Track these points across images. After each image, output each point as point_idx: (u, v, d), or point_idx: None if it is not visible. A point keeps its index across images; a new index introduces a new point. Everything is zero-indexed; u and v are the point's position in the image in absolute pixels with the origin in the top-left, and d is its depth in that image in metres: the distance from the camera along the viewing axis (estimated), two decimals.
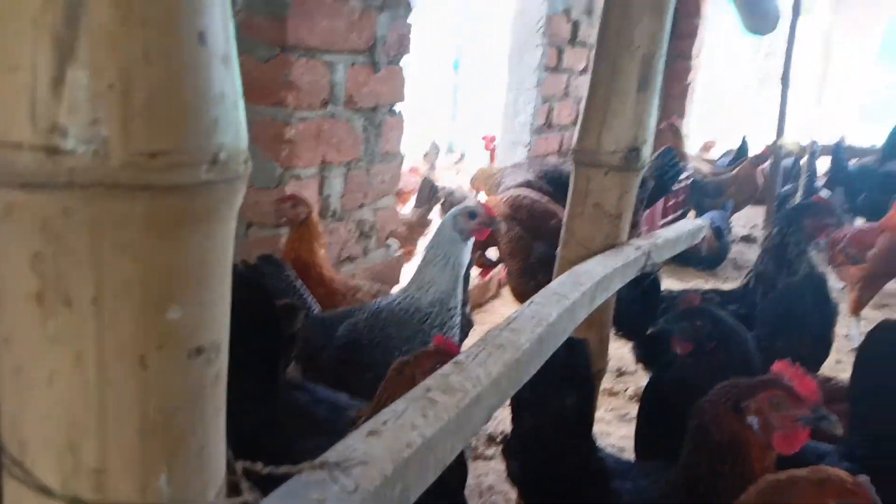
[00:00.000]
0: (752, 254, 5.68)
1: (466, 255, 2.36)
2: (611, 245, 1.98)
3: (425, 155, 5.86)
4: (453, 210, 2.36)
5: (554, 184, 4.06)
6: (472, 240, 2.36)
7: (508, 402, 1.80)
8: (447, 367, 1.06)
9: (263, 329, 1.66)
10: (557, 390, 1.67)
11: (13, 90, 0.52)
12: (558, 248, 2.10)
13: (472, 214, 2.31)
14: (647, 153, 2.03)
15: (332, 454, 0.77)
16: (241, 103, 0.61)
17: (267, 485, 0.71)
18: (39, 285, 0.55)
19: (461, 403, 0.98)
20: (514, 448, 1.79)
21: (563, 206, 3.48)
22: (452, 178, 6.02)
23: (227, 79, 0.59)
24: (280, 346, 1.76)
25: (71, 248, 0.54)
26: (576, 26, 4.89)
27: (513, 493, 2.42)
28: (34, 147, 0.52)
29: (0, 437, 0.61)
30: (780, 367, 1.41)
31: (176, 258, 0.58)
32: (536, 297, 1.44)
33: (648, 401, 2.00)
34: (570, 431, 1.70)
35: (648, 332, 1.91)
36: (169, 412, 0.60)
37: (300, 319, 1.93)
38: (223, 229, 0.62)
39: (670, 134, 5.69)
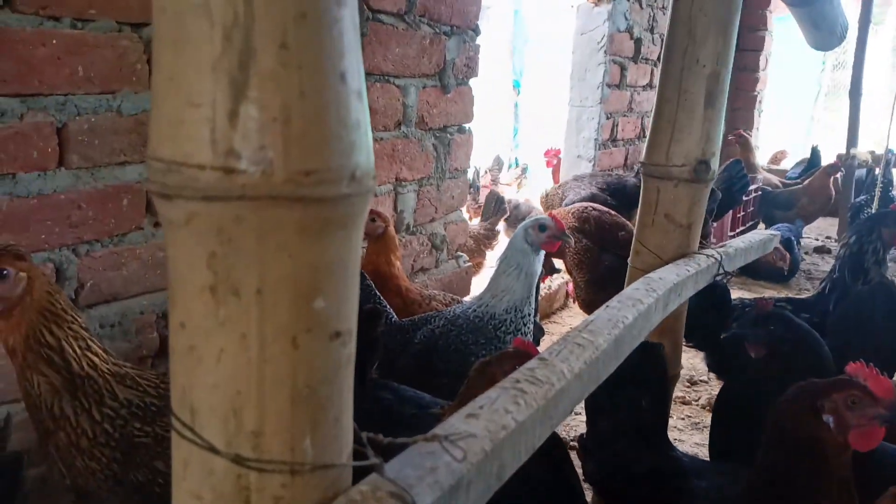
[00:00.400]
0: (824, 265, 5.58)
1: (538, 266, 2.45)
2: (682, 254, 2.04)
3: (489, 170, 5.99)
4: (525, 223, 2.46)
5: (618, 196, 4.12)
6: (543, 252, 2.46)
7: (583, 404, 1.89)
8: (533, 362, 1.16)
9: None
10: (633, 392, 1.74)
11: (197, 122, 0.65)
12: (630, 258, 2.17)
13: (542, 227, 2.41)
14: (716, 165, 2.09)
15: (439, 429, 0.87)
16: (369, 129, 0.73)
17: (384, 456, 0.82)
18: (213, 279, 0.68)
19: (548, 394, 1.07)
20: (590, 449, 1.86)
21: (628, 218, 3.56)
22: (514, 192, 6.12)
23: (360, 109, 0.71)
24: (366, 349, 1.89)
25: (240, 249, 0.67)
26: (638, 43, 4.95)
27: (588, 493, 2.49)
28: (214, 167, 0.65)
29: (171, 406, 0.74)
30: (854, 367, 1.45)
31: (321, 257, 0.70)
32: (612, 302, 1.52)
33: (722, 405, 2.04)
34: (645, 432, 1.76)
35: (722, 336, 1.95)
36: (314, 386, 0.72)
37: (382, 324, 2.05)
38: (356, 235, 0.74)
39: (738, 146, 5.65)
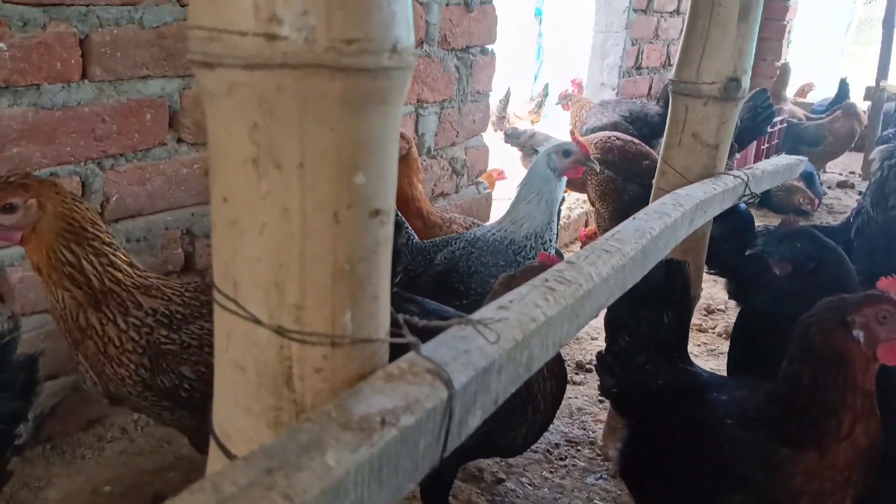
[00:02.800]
0: (847, 200, 5.52)
1: (559, 192, 2.43)
2: (709, 175, 2.02)
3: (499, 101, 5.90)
4: (548, 147, 2.43)
5: (639, 124, 4.05)
6: (565, 179, 2.43)
7: (603, 320, 1.91)
8: (561, 265, 1.17)
9: None
10: (656, 308, 1.75)
11: None
12: (654, 179, 2.15)
13: (566, 153, 2.37)
14: (747, 84, 2.05)
15: (474, 316, 0.89)
16: (410, 4, 0.72)
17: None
18: (255, 152, 0.68)
19: (576, 293, 1.08)
20: (609, 363, 1.89)
21: (651, 148, 3.51)
22: (528, 126, 6.03)
23: None
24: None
25: (282, 120, 0.67)
26: None
27: (601, 414, 2.54)
28: (256, 34, 0.64)
29: (214, 279, 0.75)
30: (886, 283, 1.45)
31: (361, 132, 0.69)
32: (639, 214, 1.52)
33: (743, 323, 2.05)
34: (665, 347, 1.78)
35: (747, 253, 1.95)
36: (353, 261, 0.72)
37: (403, 234, 2.06)
38: (395, 111, 0.73)
39: (782, 73, 5.50)
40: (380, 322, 0.78)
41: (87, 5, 1.94)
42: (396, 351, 0.81)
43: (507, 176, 4.19)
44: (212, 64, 0.66)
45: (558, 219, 2.75)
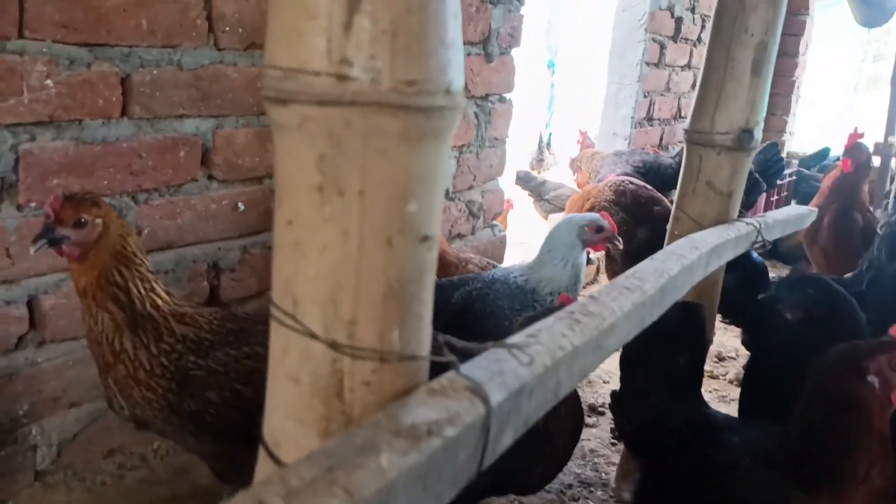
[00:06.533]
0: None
1: (584, 258, 2.45)
2: (722, 222, 2.09)
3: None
4: (577, 218, 2.43)
5: (651, 174, 4.14)
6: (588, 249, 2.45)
7: (616, 359, 1.95)
8: (584, 300, 1.22)
9: None
10: (671, 349, 1.80)
11: (313, 32, 0.72)
12: (669, 224, 2.22)
13: (599, 229, 2.39)
14: (759, 135, 2.13)
15: (507, 340, 0.94)
16: (461, 50, 0.79)
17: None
18: (321, 180, 0.75)
19: (600, 326, 1.13)
20: (623, 403, 1.92)
21: (663, 196, 3.58)
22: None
23: (456, 29, 0.77)
24: None
25: (347, 152, 0.74)
26: (679, 22, 4.94)
27: (614, 457, 2.56)
28: (329, 74, 0.71)
29: (272, 297, 0.82)
30: None
31: (416, 164, 0.76)
32: (657, 255, 1.58)
33: (755, 369, 2.09)
34: (680, 388, 1.82)
35: (759, 297, 2.00)
36: (403, 282, 0.79)
37: None
38: (445, 147, 0.80)
39: None
40: (423, 340, 0.83)
41: (130, 46, 2.04)
42: (435, 370, 0.87)
43: (513, 205, 4.27)
44: (285, 100, 0.73)
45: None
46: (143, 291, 1.63)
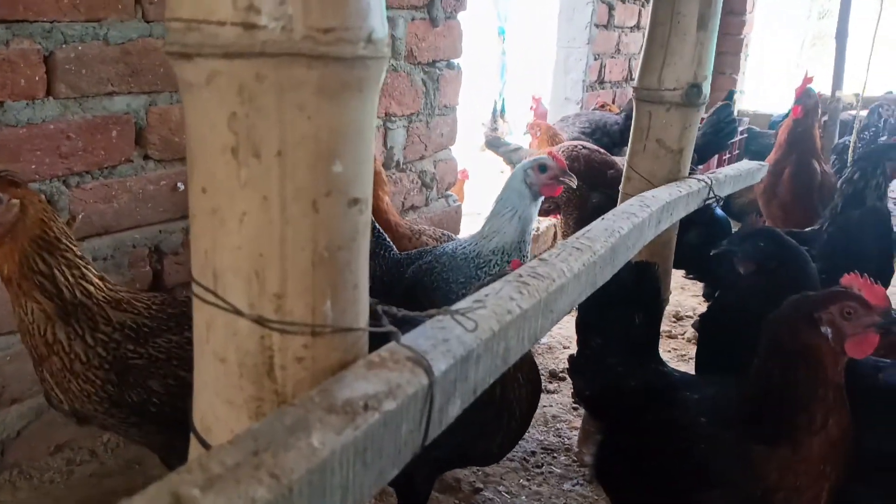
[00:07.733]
0: None
1: (534, 210, 2.33)
2: (673, 179, 2.07)
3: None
4: (524, 163, 2.35)
5: (599, 133, 4.12)
6: (542, 198, 2.34)
7: (574, 324, 1.93)
8: (534, 262, 1.18)
9: None
10: (626, 310, 1.78)
11: None
12: (621, 185, 2.19)
13: (542, 167, 2.27)
14: (707, 90, 2.10)
15: (451, 307, 0.90)
16: None
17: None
18: (234, 141, 0.69)
19: (549, 288, 1.10)
20: (582, 366, 1.91)
21: (613, 156, 3.57)
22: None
23: None
24: None
25: (260, 109, 0.67)
26: None
27: (576, 421, 2.56)
28: (235, 23, 0.65)
29: (192, 272, 0.75)
30: (848, 279, 1.49)
31: (338, 120, 0.71)
32: (607, 215, 1.55)
33: (709, 323, 2.09)
34: (637, 349, 1.81)
35: (712, 252, 1.99)
36: (333, 250, 0.73)
37: (381, 245, 2.06)
38: (371, 100, 0.74)
39: None
40: (360, 311, 0.78)
41: (52, 21, 1.93)
42: (375, 342, 0.82)
43: (469, 175, 4.19)
44: (190, 55, 0.67)
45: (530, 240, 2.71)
46: (71, 279, 1.53)
